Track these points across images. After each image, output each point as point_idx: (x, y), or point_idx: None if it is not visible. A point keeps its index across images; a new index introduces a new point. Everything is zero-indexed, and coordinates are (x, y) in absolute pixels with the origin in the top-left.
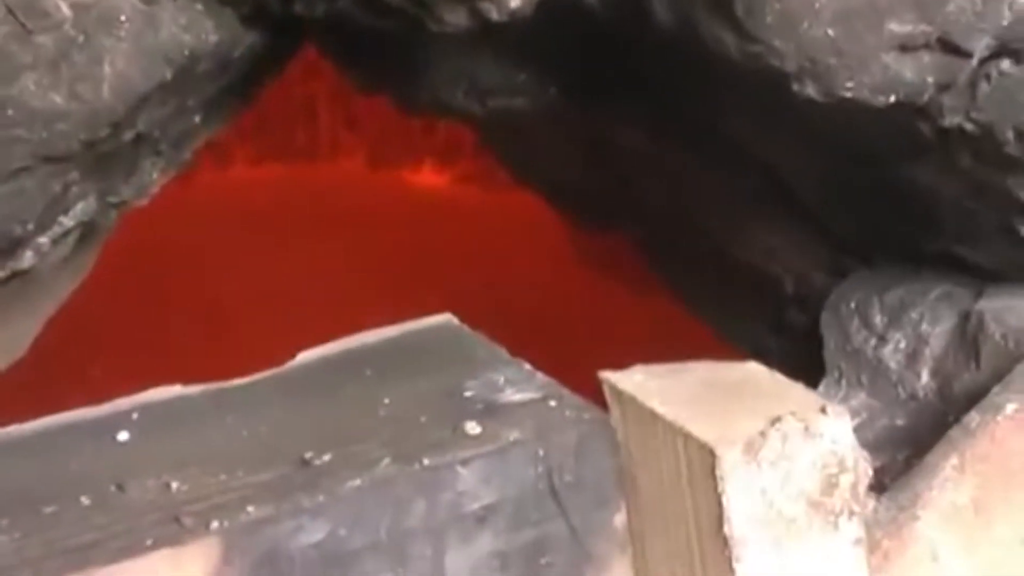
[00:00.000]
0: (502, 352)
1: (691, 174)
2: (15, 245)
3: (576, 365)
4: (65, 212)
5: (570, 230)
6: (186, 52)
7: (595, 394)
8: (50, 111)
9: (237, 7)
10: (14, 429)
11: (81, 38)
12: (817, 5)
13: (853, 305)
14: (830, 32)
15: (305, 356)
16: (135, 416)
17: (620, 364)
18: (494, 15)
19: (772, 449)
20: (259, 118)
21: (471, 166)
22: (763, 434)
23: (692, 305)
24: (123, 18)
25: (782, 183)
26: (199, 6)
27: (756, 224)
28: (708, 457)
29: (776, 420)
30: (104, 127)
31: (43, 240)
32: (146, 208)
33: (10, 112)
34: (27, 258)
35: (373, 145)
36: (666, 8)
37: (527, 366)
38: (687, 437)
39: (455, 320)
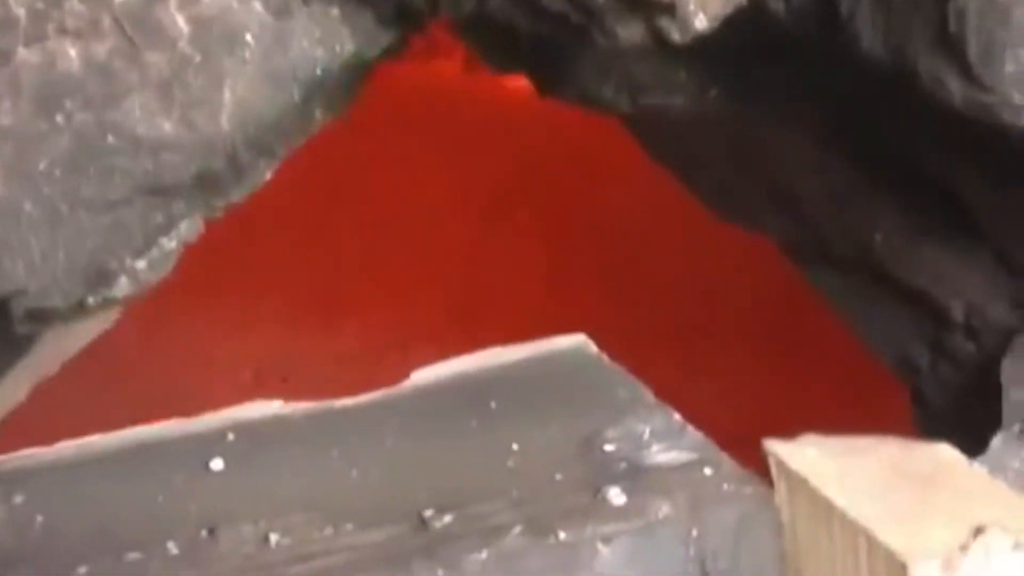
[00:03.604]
0: (645, 392)
1: (857, 189)
2: (109, 276)
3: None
4: (167, 234)
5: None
6: (319, 71)
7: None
8: (157, 139)
9: (377, 8)
10: (96, 441)
11: (198, 58)
12: None
13: None
14: None
15: (420, 376)
16: (231, 438)
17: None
18: (675, 36)
19: (974, 565)
20: None
21: None
22: (964, 548)
23: (835, 303)
24: (248, 36)
25: (965, 210)
26: (335, 11)
27: (927, 248)
28: (899, 569)
29: (979, 531)
30: (220, 158)
31: (141, 265)
32: None
33: (111, 139)
34: (122, 285)
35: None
36: (876, 34)
37: (676, 416)
38: (872, 541)
39: (590, 345)
